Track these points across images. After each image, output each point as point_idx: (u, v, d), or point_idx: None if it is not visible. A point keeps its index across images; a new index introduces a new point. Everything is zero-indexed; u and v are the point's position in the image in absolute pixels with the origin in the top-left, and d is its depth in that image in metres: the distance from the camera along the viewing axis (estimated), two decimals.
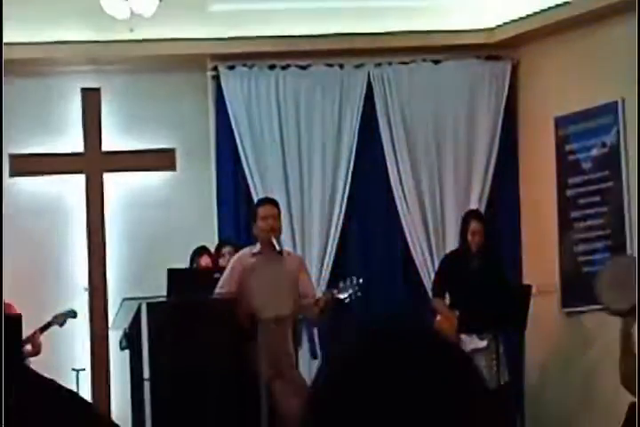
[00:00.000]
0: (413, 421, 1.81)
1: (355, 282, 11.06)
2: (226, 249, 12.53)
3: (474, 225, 12.42)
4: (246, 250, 11.30)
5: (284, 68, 13.54)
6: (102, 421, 2.11)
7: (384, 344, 1.91)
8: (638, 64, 9.94)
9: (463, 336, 11.87)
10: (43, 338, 12.05)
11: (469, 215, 12.65)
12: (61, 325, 12.12)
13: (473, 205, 13.32)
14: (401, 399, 1.82)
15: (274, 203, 11.53)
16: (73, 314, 12.26)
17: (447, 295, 12.35)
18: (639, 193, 11.10)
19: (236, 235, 13.15)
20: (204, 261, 12.80)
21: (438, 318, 12.19)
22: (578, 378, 12.45)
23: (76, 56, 13.42)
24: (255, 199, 12.86)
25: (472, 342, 11.84)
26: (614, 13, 12.41)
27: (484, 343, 11.78)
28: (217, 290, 11.05)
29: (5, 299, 11.60)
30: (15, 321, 10.66)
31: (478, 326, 11.71)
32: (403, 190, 13.59)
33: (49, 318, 12.02)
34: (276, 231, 11.19)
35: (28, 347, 11.88)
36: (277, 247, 11.04)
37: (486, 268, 12.32)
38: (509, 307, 11.83)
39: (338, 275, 12.79)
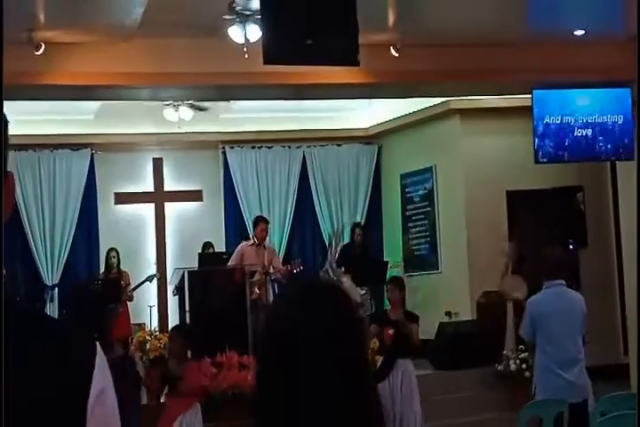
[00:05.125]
0: (320, 325, 1.75)
1: (299, 261, 11.22)
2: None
3: (357, 231, 12.67)
4: (244, 242, 11.28)
5: (259, 147, 13.73)
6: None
7: (306, 287, 1.89)
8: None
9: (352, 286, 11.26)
10: (137, 290, 11.89)
11: (354, 225, 12.93)
12: (151, 281, 12.14)
13: (358, 221, 13.45)
14: (312, 316, 1.76)
15: (265, 219, 11.41)
16: (157, 275, 12.41)
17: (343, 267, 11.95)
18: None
19: (235, 236, 13.03)
20: (209, 250, 12.55)
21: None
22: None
23: (150, 140, 13.43)
24: (245, 219, 13.09)
25: (357, 291, 11.48)
26: (436, 119, 12.51)
27: (363, 291, 11.72)
28: (229, 263, 10.90)
29: (125, 269, 12.07)
30: (116, 281, 11.74)
31: (362, 282, 11.70)
32: (322, 216, 13.83)
33: (143, 278, 12.03)
34: (266, 235, 11.22)
35: (130, 294, 11.81)
36: (263, 242, 11.05)
37: (363, 253, 12.40)
38: (376, 273, 11.91)
39: (288, 258, 12.86)
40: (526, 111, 10.44)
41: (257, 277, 10.74)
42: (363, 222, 13.58)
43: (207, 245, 12.72)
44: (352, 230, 12.81)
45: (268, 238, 11.74)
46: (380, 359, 8.11)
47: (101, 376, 1.37)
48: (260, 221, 11.36)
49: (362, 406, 1.75)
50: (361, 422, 1.74)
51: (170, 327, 11.21)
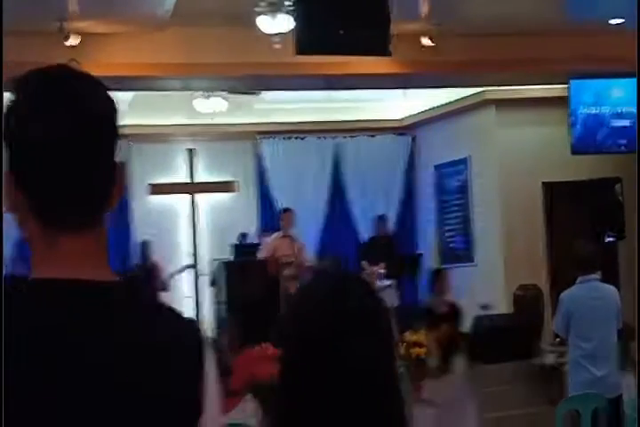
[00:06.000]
0: (345, 313, 1.72)
1: (332, 257, 11.29)
2: (266, 233, 12.29)
3: (381, 222, 12.79)
4: (275, 234, 11.43)
5: (293, 138, 13.80)
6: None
7: (330, 279, 1.86)
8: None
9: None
10: (172, 280, 12.19)
11: (379, 217, 12.92)
12: (184, 272, 12.53)
13: (391, 213, 13.56)
14: (336, 304, 1.73)
15: (291, 211, 11.63)
16: (190, 266, 12.66)
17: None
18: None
19: (266, 227, 13.05)
20: (244, 241, 12.64)
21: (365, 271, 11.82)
22: None
23: (183, 132, 13.45)
24: (277, 209, 12.92)
25: (382, 283, 11.50)
26: (469, 109, 12.49)
27: (388, 283, 11.56)
28: (260, 254, 11.15)
29: (158, 260, 12.17)
30: (154, 270, 11.91)
31: (389, 274, 11.64)
32: (356, 207, 13.83)
33: (176, 269, 12.27)
34: (292, 226, 11.34)
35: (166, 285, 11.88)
36: (291, 234, 11.26)
37: (388, 244, 12.35)
38: (408, 266, 11.92)
39: (321, 249, 13.15)
40: (562, 101, 10.36)
41: (290, 271, 10.79)
42: (397, 214, 13.67)
43: (244, 235, 12.79)
44: (377, 220, 12.84)
45: (298, 231, 11.70)
46: (435, 354, 8.00)
47: (206, 362, 1.45)
48: (282, 212, 11.62)
49: (384, 402, 1.71)
50: (382, 418, 1.71)
51: (206, 318, 11.65)
